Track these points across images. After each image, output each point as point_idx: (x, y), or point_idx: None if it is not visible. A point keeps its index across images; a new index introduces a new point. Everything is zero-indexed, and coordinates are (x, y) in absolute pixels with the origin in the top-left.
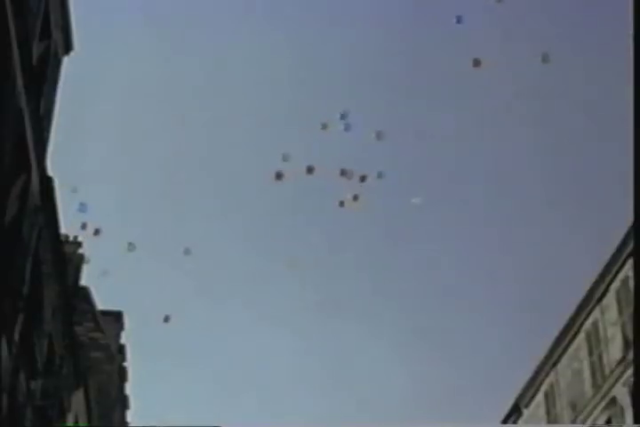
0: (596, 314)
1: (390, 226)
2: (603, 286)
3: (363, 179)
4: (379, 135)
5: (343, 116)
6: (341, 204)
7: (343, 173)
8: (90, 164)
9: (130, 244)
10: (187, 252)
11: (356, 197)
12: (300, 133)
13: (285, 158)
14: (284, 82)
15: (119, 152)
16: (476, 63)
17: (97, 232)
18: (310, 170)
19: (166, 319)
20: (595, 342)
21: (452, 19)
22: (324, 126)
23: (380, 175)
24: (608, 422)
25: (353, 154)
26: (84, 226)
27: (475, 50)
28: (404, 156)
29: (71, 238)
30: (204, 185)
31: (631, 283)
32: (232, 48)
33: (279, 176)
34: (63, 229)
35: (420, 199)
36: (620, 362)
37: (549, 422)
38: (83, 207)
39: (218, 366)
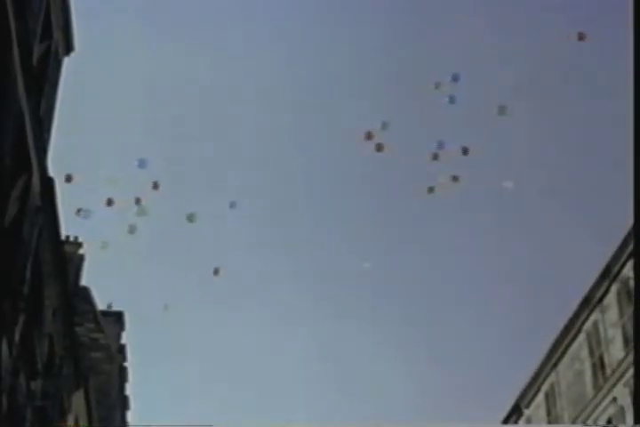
0: (596, 314)
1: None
2: (603, 287)
3: (465, 151)
4: (501, 110)
5: (455, 78)
6: (431, 190)
7: (435, 156)
8: (89, 164)
9: (190, 214)
10: (232, 205)
11: (455, 178)
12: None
13: (384, 126)
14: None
15: (118, 152)
16: (581, 36)
17: (156, 186)
18: (380, 148)
19: (215, 272)
20: (595, 342)
21: None
22: (437, 86)
23: (465, 151)
24: (609, 422)
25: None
26: (137, 201)
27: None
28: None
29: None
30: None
31: (631, 283)
32: (236, 44)
33: (369, 136)
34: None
35: (512, 183)
36: (620, 362)
37: (550, 422)
38: (142, 163)
39: (219, 366)
